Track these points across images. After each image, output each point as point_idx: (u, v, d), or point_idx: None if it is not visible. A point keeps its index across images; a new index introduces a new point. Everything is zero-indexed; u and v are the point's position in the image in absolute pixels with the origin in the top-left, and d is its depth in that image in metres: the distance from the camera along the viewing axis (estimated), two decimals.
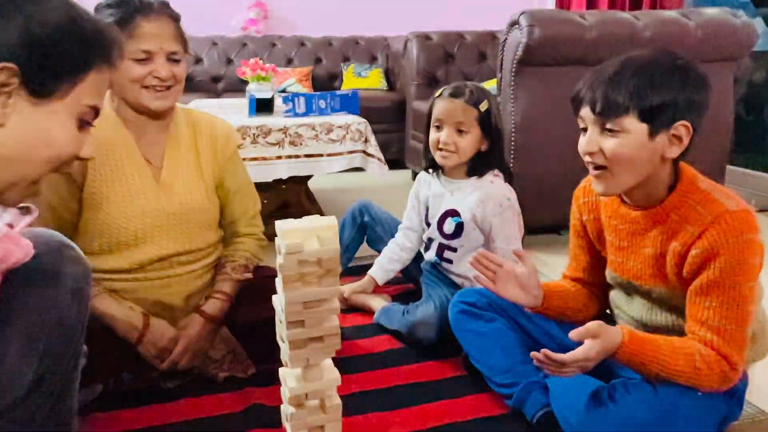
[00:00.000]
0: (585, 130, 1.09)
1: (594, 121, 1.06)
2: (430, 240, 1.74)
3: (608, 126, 1.04)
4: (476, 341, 1.31)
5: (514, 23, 2.19)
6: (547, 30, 2.11)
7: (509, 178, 1.69)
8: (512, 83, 2.21)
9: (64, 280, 0.92)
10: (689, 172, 1.10)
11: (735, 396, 1.12)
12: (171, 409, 1.30)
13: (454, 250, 1.69)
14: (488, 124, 1.61)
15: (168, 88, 1.27)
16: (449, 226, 1.67)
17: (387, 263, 1.83)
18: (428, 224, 1.75)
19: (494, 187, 1.63)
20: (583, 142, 1.08)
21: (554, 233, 2.53)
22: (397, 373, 1.44)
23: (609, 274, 1.23)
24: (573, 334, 1.03)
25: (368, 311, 1.77)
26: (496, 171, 1.66)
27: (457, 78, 3.86)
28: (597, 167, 1.08)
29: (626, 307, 1.22)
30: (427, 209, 1.75)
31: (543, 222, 2.40)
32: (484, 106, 1.60)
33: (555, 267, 2.15)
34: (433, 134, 1.64)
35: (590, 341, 1.03)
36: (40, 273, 0.89)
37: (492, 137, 1.63)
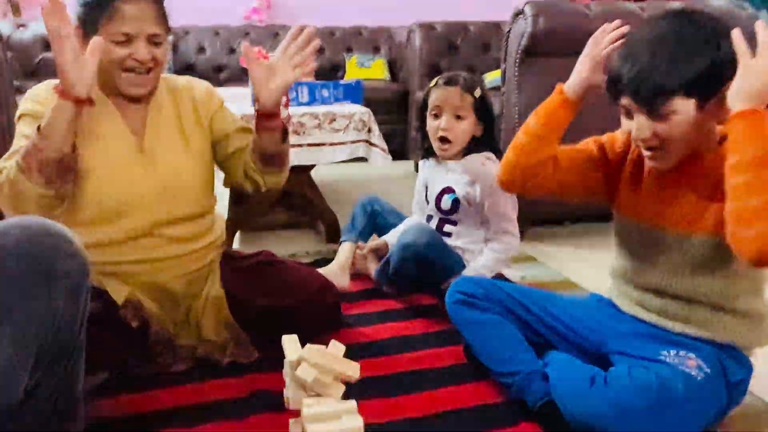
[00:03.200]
0: (627, 114, 1.08)
1: (639, 108, 1.04)
2: (430, 216, 1.84)
3: (657, 112, 1.02)
4: (475, 331, 1.31)
5: (518, 13, 2.18)
6: (552, 20, 2.11)
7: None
8: (516, 73, 2.21)
9: (59, 279, 0.89)
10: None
11: (738, 384, 1.13)
12: (175, 393, 1.31)
13: (454, 223, 1.79)
14: (482, 110, 1.71)
15: (148, 71, 1.26)
16: (446, 202, 1.77)
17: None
18: (427, 201, 1.83)
19: (485, 168, 1.71)
20: (634, 130, 1.06)
21: (558, 225, 2.53)
22: (399, 360, 1.45)
23: (636, 229, 1.19)
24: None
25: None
26: (489, 153, 1.75)
27: (462, 69, 3.83)
28: (650, 148, 1.07)
29: (643, 273, 1.19)
30: (426, 188, 1.84)
31: (546, 214, 2.40)
32: (478, 93, 1.71)
33: (560, 259, 2.16)
34: (432, 122, 1.73)
35: None
36: (30, 275, 0.86)
37: (486, 122, 1.73)
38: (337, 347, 1.23)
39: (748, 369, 1.15)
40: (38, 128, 1.12)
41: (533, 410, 1.19)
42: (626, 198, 1.22)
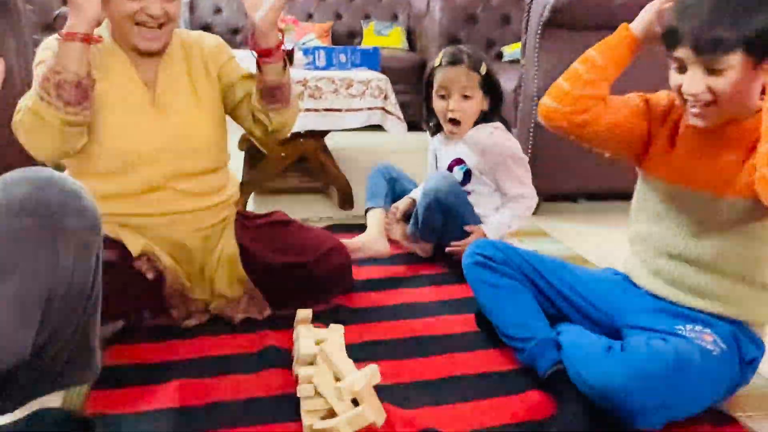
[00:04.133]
0: (680, 68, 1.07)
1: (697, 61, 1.03)
2: None
3: (715, 65, 1.01)
4: (490, 293, 1.31)
5: None
6: None
7: (508, 128, 1.81)
8: (537, 46, 2.18)
9: (67, 236, 0.87)
10: None
11: (751, 363, 1.13)
12: (189, 346, 1.33)
13: (467, 193, 1.79)
14: (489, 85, 1.71)
15: (160, 26, 1.26)
16: (458, 173, 1.78)
17: None
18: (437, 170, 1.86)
19: (493, 138, 1.73)
20: (686, 84, 1.05)
21: (572, 201, 2.53)
22: (409, 325, 1.47)
23: (666, 189, 1.19)
24: None
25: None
26: (497, 123, 1.76)
27: (481, 41, 3.80)
28: (702, 104, 1.06)
29: (665, 237, 1.19)
30: (437, 160, 1.86)
31: (562, 189, 2.39)
32: (483, 69, 1.70)
33: (572, 236, 2.16)
34: (440, 103, 1.74)
35: None
36: (35, 232, 0.84)
37: (492, 96, 1.73)
38: (336, 331, 1.26)
39: (762, 348, 1.16)
40: (62, 33, 1.15)
41: (543, 378, 1.20)
42: (658, 157, 1.21)
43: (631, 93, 1.26)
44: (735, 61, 1.00)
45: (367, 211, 1.93)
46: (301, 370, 1.09)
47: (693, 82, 1.04)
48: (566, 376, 1.15)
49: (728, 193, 1.10)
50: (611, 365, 1.07)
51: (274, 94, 1.35)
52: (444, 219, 1.71)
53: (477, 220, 1.75)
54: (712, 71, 1.02)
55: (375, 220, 1.87)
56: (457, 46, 1.77)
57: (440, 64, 1.72)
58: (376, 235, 1.83)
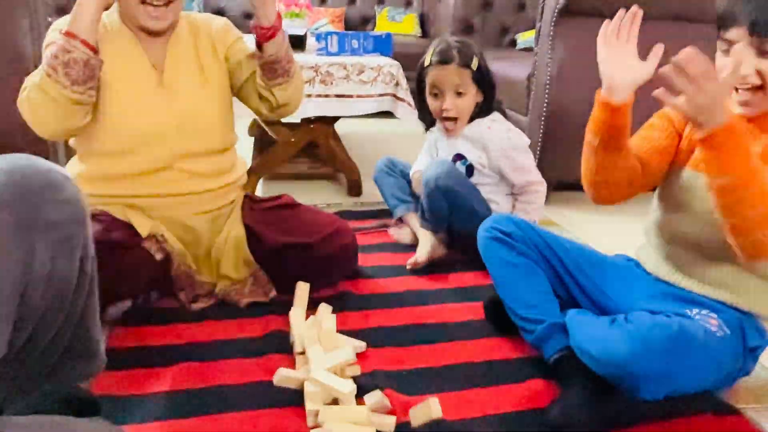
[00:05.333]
0: (728, 50, 1.06)
1: (750, 42, 1.03)
2: None
3: (767, 47, 1.01)
4: (505, 270, 1.29)
5: None
6: None
7: (505, 116, 1.79)
8: (551, 33, 2.15)
9: (45, 230, 0.81)
10: None
11: (754, 350, 1.13)
12: (195, 329, 1.34)
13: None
14: (482, 79, 1.69)
15: (167, 4, 1.27)
16: (461, 168, 1.76)
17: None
18: None
19: (492, 132, 1.71)
20: (736, 65, 1.02)
21: (580, 190, 2.50)
22: (415, 312, 1.47)
23: (687, 174, 1.17)
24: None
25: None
26: (494, 115, 1.75)
27: (495, 28, 3.77)
28: (749, 90, 1.05)
29: (679, 222, 1.19)
30: (437, 152, 1.84)
31: (572, 177, 2.36)
32: (475, 64, 1.67)
33: (580, 225, 2.15)
34: (434, 102, 1.72)
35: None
36: (6, 227, 0.77)
37: (486, 88, 1.71)
38: (326, 314, 1.29)
39: (765, 339, 1.15)
40: (62, 32, 1.17)
41: (549, 361, 1.20)
42: (684, 148, 1.21)
43: (649, 120, 1.24)
44: None
45: (399, 219, 1.90)
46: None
47: (744, 62, 1.03)
48: (572, 362, 1.15)
49: None
50: (615, 334, 1.06)
51: (275, 69, 1.36)
52: (449, 205, 1.69)
53: (485, 205, 1.73)
54: (764, 53, 1.02)
55: (414, 223, 1.83)
56: (446, 40, 1.72)
57: (430, 64, 1.69)
58: (434, 240, 1.74)
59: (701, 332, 1.06)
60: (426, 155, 1.91)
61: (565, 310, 1.25)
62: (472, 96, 1.70)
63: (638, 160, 1.19)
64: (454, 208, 1.70)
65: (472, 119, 1.73)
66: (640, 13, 1.08)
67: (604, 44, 1.08)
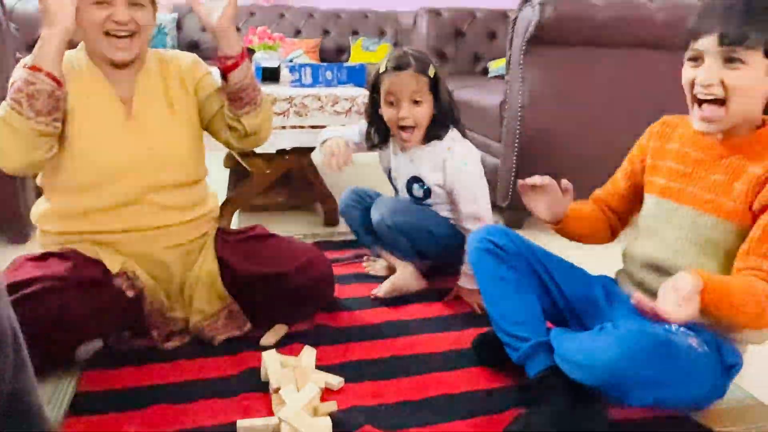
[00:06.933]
0: (693, 60, 1.10)
1: (717, 52, 1.06)
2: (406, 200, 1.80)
3: (735, 57, 1.04)
4: (494, 284, 1.28)
5: (526, 1, 2.16)
6: (559, 9, 2.09)
7: (463, 133, 1.72)
8: (521, 62, 2.19)
9: None
10: None
11: (730, 369, 1.14)
12: (168, 369, 1.31)
13: (429, 205, 1.75)
14: (438, 88, 1.62)
15: (131, 36, 1.27)
16: (417, 191, 1.73)
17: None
18: (396, 189, 1.81)
19: (451, 153, 1.64)
20: (702, 74, 1.07)
21: None
22: (394, 344, 1.45)
23: (653, 201, 1.23)
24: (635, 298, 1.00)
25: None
26: (453, 133, 1.68)
27: (468, 56, 3.83)
28: (711, 101, 1.08)
29: (651, 248, 1.21)
30: (390, 171, 1.79)
31: None
32: (432, 71, 1.62)
33: (558, 249, 2.14)
34: (390, 111, 1.63)
35: (672, 294, 0.98)
36: None
37: (442, 99, 1.64)
38: (309, 355, 1.27)
39: (741, 358, 1.16)
40: (27, 66, 1.18)
41: (533, 379, 1.19)
42: (651, 176, 1.26)
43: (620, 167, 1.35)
44: (753, 59, 1.04)
45: (372, 252, 1.88)
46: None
47: (709, 72, 1.06)
48: (553, 381, 1.15)
49: (709, 213, 1.13)
50: (603, 340, 1.06)
51: (241, 98, 1.36)
52: (407, 238, 1.68)
53: (444, 223, 1.71)
54: (730, 61, 1.05)
55: (391, 258, 1.78)
56: (401, 49, 1.66)
57: (386, 70, 1.61)
58: (409, 271, 1.72)
59: (686, 344, 1.08)
60: (356, 134, 1.79)
61: (552, 328, 1.26)
62: (429, 106, 1.62)
63: (610, 209, 1.35)
64: (412, 239, 1.69)
65: (429, 136, 1.65)
66: (570, 187, 1.22)
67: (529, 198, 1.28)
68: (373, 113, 1.71)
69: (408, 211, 1.70)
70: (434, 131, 1.66)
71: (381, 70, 1.63)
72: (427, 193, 1.72)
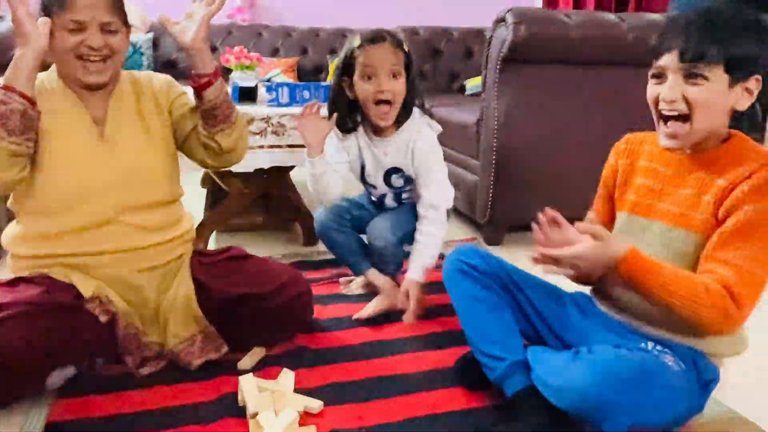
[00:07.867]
0: (657, 77, 1.12)
1: (679, 68, 1.08)
2: (383, 195, 1.78)
3: (696, 72, 1.06)
4: (469, 304, 1.28)
5: (500, 20, 2.19)
6: (532, 28, 2.12)
7: (427, 113, 1.71)
8: (497, 80, 2.22)
9: None
10: (740, 132, 1.15)
11: (707, 385, 1.14)
12: (144, 396, 1.28)
13: (409, 191, 1.75)
14: (411, 67, 1.61)
15: (104, 60, 1.27)
16: (397, 181, 1.72)
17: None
18: (369, 184, 1.76)
19: (421, 135, 1.64)
20: (665, 91, 1.09)
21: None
22: (373, 365, 1.44)
23: (623, 218, 1.24)
24: (579, 226, 1.07)
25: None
26: (424, 117, 1.68)
27: (445, 75, 3.87)
28: (675, 118, 1.10)
29: None
30: (363, 167, 1.74)
31: (524, 219, 2.39)
32: (407, 47, 1.62)
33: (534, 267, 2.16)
34: (366, 85, 1.57)
35: (592, 241, 1.06)
36: None
37: (413, 78, 1.63)
38: (287, 378, 1.25)
39: (717, 375, 1.17)
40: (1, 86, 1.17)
41: (511, 398, 1.19)
42: (621, 192, 1.27)
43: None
44: (714, 74, 1.06)
45: (357, 274, 1.79)
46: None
47: (672, 88, 1.09)
48: (530, 401, 1.15)
49: (680, 227, 1.14)
50: (577, 366, 1.06)
51: (215, 116, 1.36)
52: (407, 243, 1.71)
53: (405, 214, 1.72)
54: (692, 77, 1.07)
55: (376, 279, 1.73)
56: (375, 29, 1.62)
57: (361, 44, 1.57)
58: (391, 287, 1.71)
59: (661, 366, 1.08)
60: (337, 153, 1.72)
61: (528, 346, 1.25)
62: (404, 83, 1.59)
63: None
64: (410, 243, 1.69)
65: (399, 120, 1.63)
66: (559, 216, 1.16)
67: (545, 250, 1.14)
68: (339, 101, 1.65)
69: (399, 221, 1.69)
70: (405, 114, 1.64)
71: (355, 45, 1.58)
72: (408, 180, 1.71)
